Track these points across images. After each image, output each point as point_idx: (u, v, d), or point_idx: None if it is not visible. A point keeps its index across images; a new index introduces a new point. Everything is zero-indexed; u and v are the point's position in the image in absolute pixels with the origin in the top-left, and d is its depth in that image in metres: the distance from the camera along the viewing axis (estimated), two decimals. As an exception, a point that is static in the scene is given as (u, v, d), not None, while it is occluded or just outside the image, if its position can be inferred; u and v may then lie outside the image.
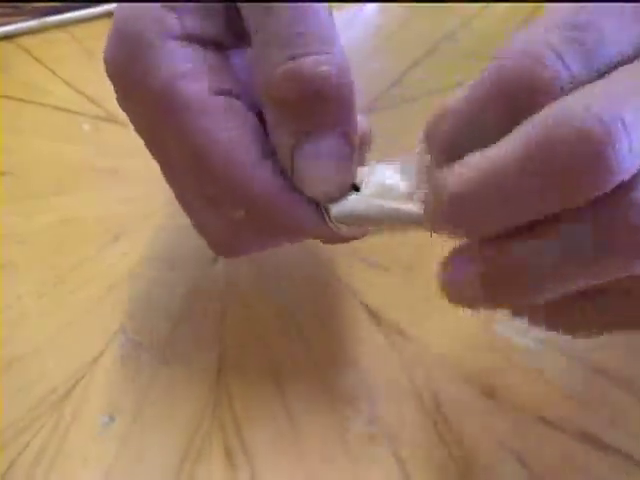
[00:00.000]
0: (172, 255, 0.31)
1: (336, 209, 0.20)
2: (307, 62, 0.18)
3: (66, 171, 0.35)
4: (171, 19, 0.20)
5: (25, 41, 0.42)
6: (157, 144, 0.23)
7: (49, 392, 0.27)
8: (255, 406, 0.26)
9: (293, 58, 0.18)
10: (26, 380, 0.27)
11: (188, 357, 0.28)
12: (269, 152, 0.20)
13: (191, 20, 0.20)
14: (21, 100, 0.38)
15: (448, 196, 0.15)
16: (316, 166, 0.19)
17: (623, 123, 0.13)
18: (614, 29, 0.14)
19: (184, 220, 0.24)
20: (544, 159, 0.14)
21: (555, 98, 0.14)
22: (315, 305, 0.29)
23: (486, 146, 0.15)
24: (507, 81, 0.14)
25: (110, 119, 0.37)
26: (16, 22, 0.42)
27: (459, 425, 0.25)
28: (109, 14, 0.43)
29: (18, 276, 0.30)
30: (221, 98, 0.20)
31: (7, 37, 0.42)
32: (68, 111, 0.38)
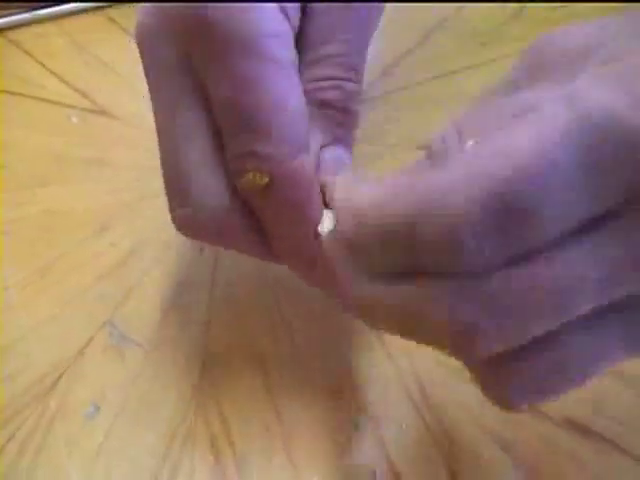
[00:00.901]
0: (159, 246, 0.31)
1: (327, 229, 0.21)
2: (351, 85, 0.23)
3: (53, 162, 0.35)
4: None
5: (15, 34, 0.42)
6: (183, 96, 0.22)
7: (34, 383, 0.27)
8: (240, 398, 0.26)
9: (341, 79, 0.22)
10: (11, 370, 0.27)
11: (174, 349, 0.28)
12: None
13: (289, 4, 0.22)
14: (10, 93, 0.38)
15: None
16: (335, 165, 0.23)
17: (476, 226, 0.14)
18: (559, 199, 0.14)
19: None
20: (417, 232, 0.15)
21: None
22: (301, 298, 0.29)
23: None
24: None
25: (98, 111, 0.36)
26: (6, 15, 0.42)
27: (445, 413, 0.25)
28: (99, 7, 0.43)
29: (4, 267, 0.30)
30: (296, 69, 0.22)
31: (-3, 31, 0.42)
32: (56, 103, 0.37)
